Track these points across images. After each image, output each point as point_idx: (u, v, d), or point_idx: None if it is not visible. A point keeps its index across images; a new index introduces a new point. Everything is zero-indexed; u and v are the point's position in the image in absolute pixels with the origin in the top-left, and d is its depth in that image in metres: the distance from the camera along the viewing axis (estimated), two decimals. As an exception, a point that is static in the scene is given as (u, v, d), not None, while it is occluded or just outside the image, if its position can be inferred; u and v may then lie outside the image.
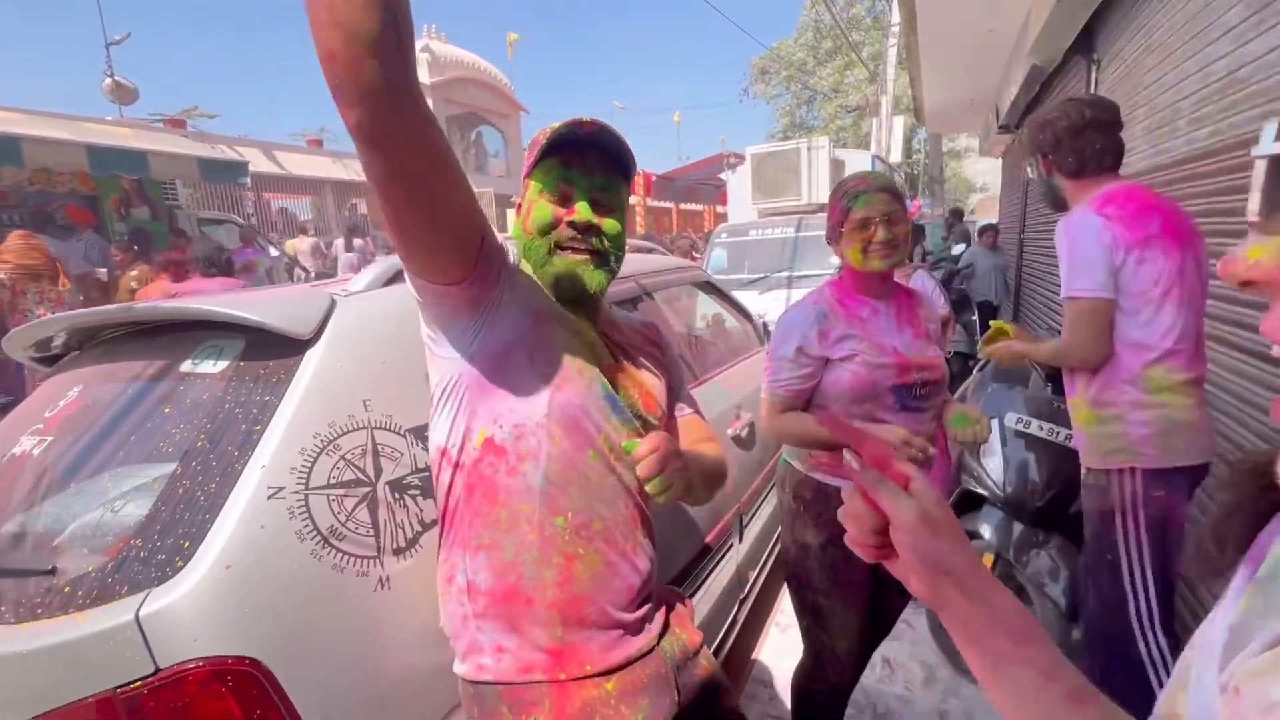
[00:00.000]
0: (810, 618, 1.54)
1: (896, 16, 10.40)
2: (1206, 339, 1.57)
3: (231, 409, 0.98)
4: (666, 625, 1.02)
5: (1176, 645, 1.50)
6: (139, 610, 0.78)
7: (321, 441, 0.97)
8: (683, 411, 1.14)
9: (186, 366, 1.09)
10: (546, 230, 0.92)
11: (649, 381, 1.03)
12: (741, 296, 3.75)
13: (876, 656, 2.24)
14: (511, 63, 34.24)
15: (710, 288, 2.75)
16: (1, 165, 5.97)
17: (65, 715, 0.79)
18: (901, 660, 2.20)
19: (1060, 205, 1.67)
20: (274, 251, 7.77)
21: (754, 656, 2.26)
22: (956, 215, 9.37)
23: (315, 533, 0.91)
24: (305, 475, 0.93)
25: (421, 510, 1.06)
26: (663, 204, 18.49)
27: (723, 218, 17.39)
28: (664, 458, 0.85)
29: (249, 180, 7.84)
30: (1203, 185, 2.30)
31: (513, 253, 0.98)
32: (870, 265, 1.36)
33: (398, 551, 1.00)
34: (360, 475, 0.99)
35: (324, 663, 0.88)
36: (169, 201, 7.62)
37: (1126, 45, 3.35)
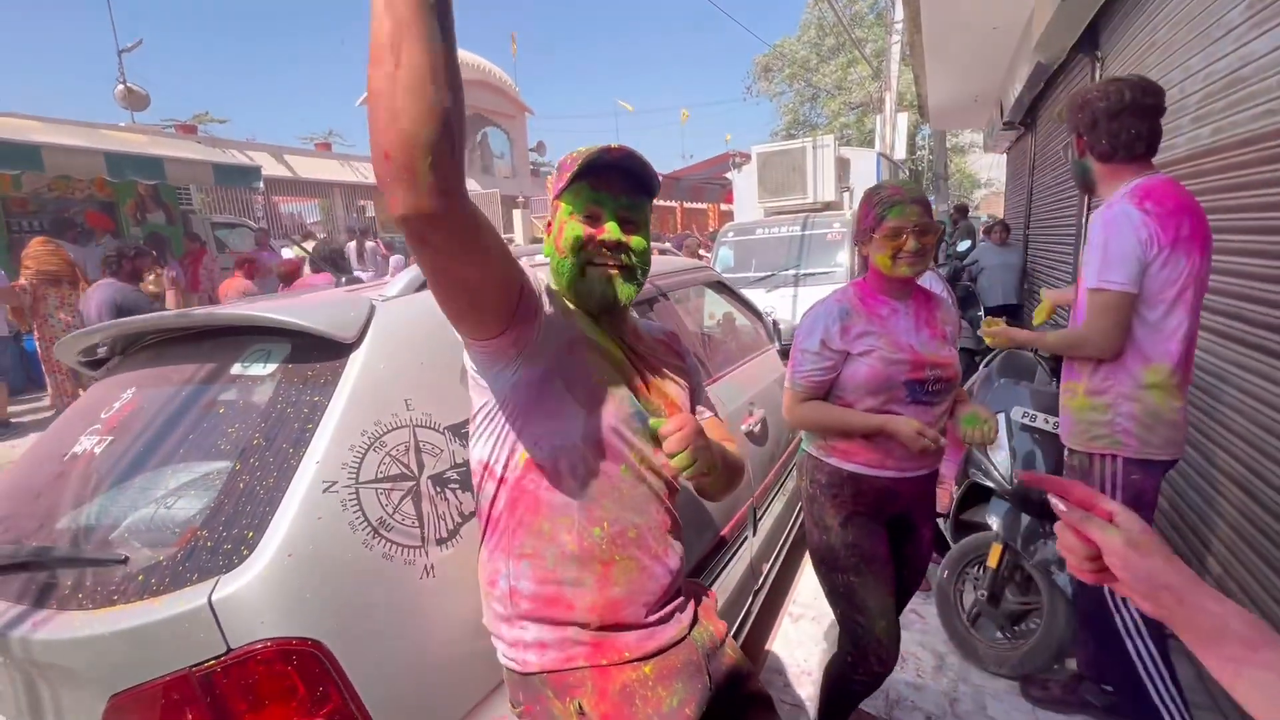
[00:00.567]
0: (845, 603, 1.57)
1: (900, 13, 10.40)
2: (1206, 332, 1.63)
3: (284, 409, 1.05)
4: (696, 617, 1.08)
5: (1147, 618, 1.58)
6: (212, 594, 0.84)
7: (369, 439, 1.03)
8: (702, 414, 1.20)
9: (237, 369, 1.16)
10: (578, 249, 0.98)
11: (673, 392, 1.10)
12: (749, 294, 3.81)
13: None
14: (516, 64, 34.26)
15: (722, 287, 2.80)
16: (22, 172, 6.07)
17: (144, 692, 0.85)
18: (912, 649, 2.25)
19: (1089, 187, 1.67)
20: (286, 254, 7.87)
21: (768, 647, 2.32)
22: (961, 211, 9.35)
23: (366, 523, 0.97)
24: (355, 470, 0.99)
25: (461, 503, 1.12)
26: (667, 203, 18.52)
27: (726, 216, 17.42)
28: (688, 435, 0.91)
29: (262, 185, 7.93)
30: (1207, 182, 2.34)
31: (543, 276, 1.03)
32: (898, 271, 1.45)
33: (440, 542, 1.06)
34: (405, 470, 1.05)
35: (377, 644, 0.94)
36: (183, 206, 7.74)
37: (1130, 43, 3.38)
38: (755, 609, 2.09)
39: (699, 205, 20.19)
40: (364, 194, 13.63)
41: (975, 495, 2.40)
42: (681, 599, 1.07)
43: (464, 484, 1.14)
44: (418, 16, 0.60)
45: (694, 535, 1.72)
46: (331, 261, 4.35)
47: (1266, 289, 1.93)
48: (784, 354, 2.96)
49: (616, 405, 0.97)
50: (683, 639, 1.02)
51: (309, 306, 1.19)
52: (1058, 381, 2.41)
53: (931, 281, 2.99)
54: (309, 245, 7.94)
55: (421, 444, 1.10)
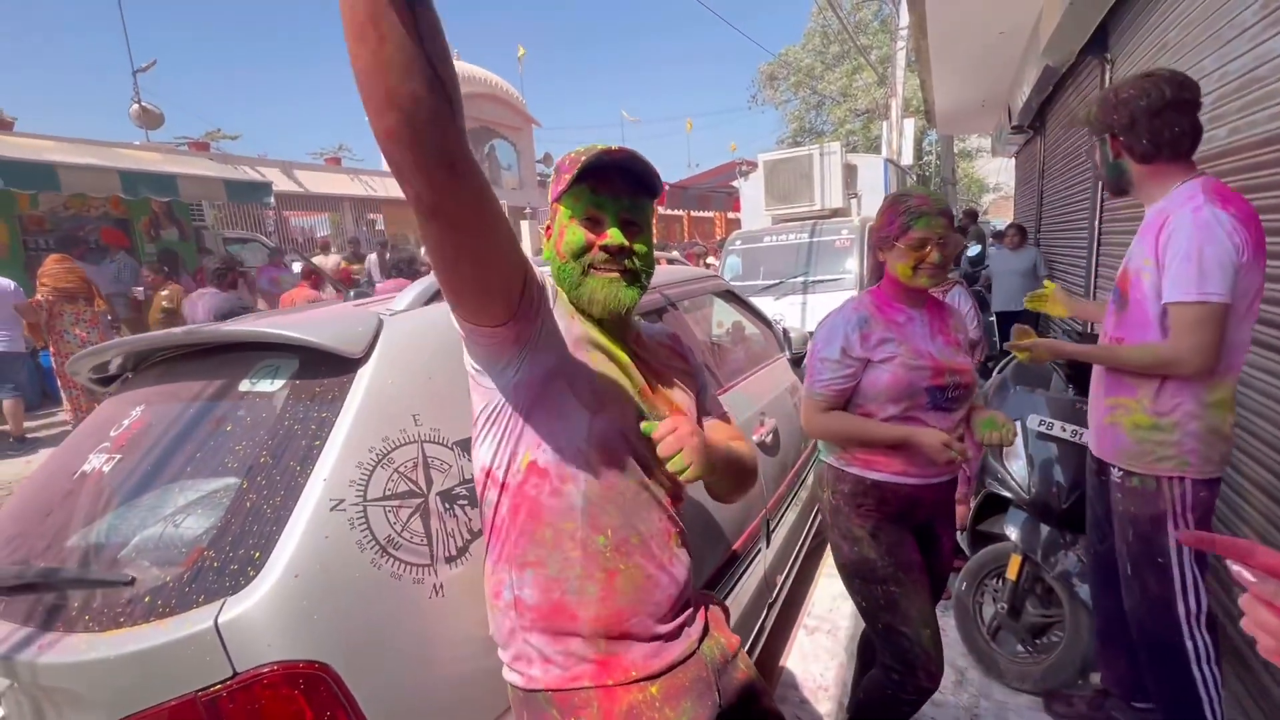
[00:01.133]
0: (887, 615, 1.52)
1: (904, 20, 10.41)
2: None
3: (291, 425, 1.04)
4: (706, 629, 1.05)
5: (1217, 639, 1.51)
6: (218, 617, 0.83)
7: (376, 455, 1.02)
8: (710, 418, 1.18)
9: (245, 385, 1.15)
10: (580, 254, 0.96)
11: (678, 397, 1.07)
12: (757, 302, 3.79)
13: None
14: (522, 76, 34.64)
15: (731, 296, 2.79)
16: (39, 191, 6.18)
17: (150, 717, 0.84)
18: (931, 664, 2.20)
19: (1122, 190, 1.58)
20: (297, 268, 7.94)
21: (783, 662, 2.28)
22: (970, 216, 9.30)
23: (374, 542, 0.96)
24: (363, 488, 0.98)
25: (470, 519, 1.10)
26: (674, 212, 18.58)
27: (733, 224, 17.43)
28: (681, 436, 0.88)
29: (273, 200, 8.02)
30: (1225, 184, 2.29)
31: (549, 283, 1.01)
32: (918, 282, 1.46)
33: (449, 559, 1.04)
34: (413, 487, 1.04)
35: (385, 666, 0.93)
36: (196, 222, 7.84)
37: (1141, 44, 3.35)
38: (770, 622, 2.06)
39: (705, 213, 20.22)
40: (373, 207, 13.76)
41: (992, 505, 2.35)
42: (690, 611, 1.04)
43: (473, 500, 1.12)
44: None
45: (706, 548, 1.69)
46: (403, 269, 4.42)
47: (1289, 291, 1.89)
48: (795, 362, 2.94)
49: (620, 409, 0.95)
50: (691, 654, 1.00)
51: (317, 322, 1.18)
52: (1074, 389, 2.37)
53: (960, 298, 2.95)
54: (326, 259, 8.04)
55: (430, 460, 1.09)
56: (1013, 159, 10.24)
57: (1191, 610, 1.49)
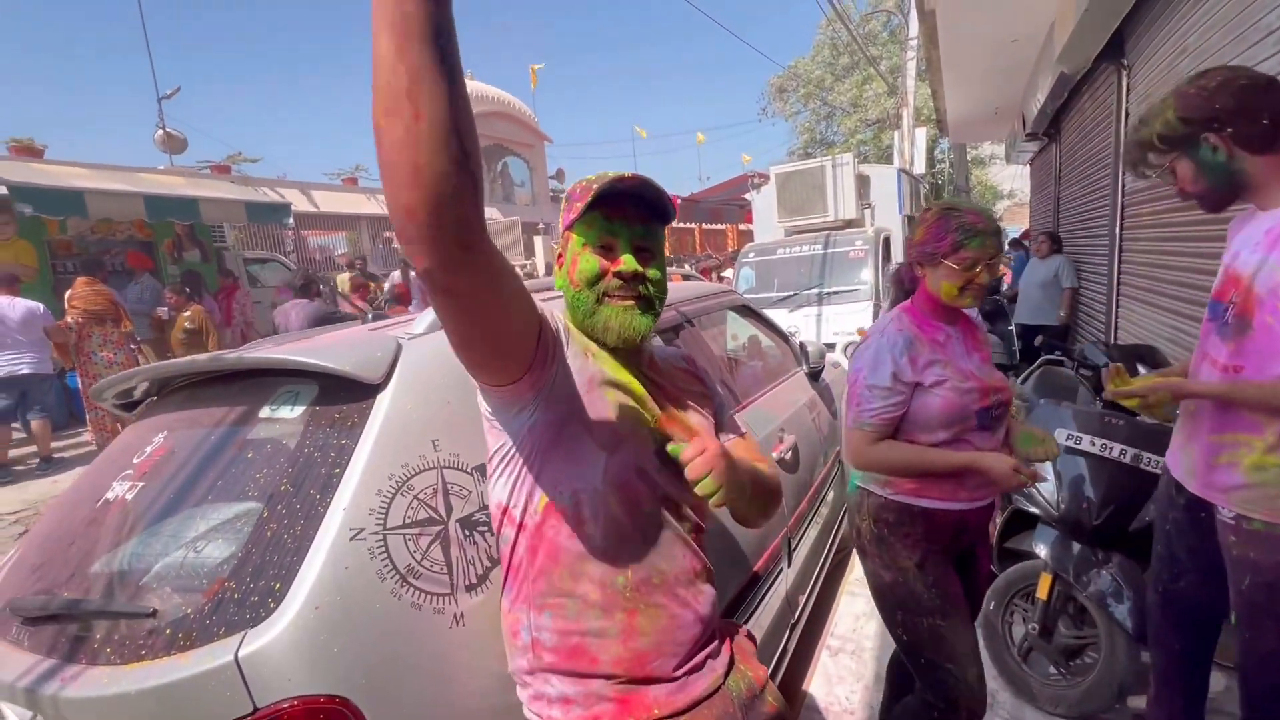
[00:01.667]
0: (931, 649, 1.44)
1: (914, 30, 10.42)
2: None
3: (311, 453, 1.04)
4: (731, 662, 1.02)
5: None
6: (238, 651, 0.82)
7: (396, 483, 1.01)
8: (728, 437, 1.16)
9: (265, 412, 1.15)
10: (594, 281, 0.94)
11: (696, 422, 1.05)
12: (772, 314, 3.77)
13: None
14: (534, 94, 35.13)
15: (747, 310, 2.77)
16: (67, 217, 6.35)
17: (170, 752, 0.83)
18: (961, 687, 2.14)
19: (1229, 200, 1.34)
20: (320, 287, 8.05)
21: (806, 686, 2.22)
22: (987, 224, 9.15)
23: (394, 572, 0.95)
24: (383, 516, 0.97)
25: (490, 546, 1.09)
26: (686, 225, 18.64)
27: (745, 236, 17.41)
28: (710, 458, 0.85)
29: (292, 220, 8.18)
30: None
31: (561, 319, 0.99)
32: (962, 302, 1.41)
33: (470, 588, 1.03)
34: (433, 514, 1.03)
35: (405, 700, 0.91)
36: (217, 244, 8.00)
37: (1158, 50, 3.31)
38: (792, 645, 2.01)
39: (717, 226, 20.27)
40: (389, 226, 13.94)
41: (1019, 521, 2.29)
42: (715, 644, 1.01)
43: (493, 527, 1.11)
44: (435, 63, 0.57)
45: (727, 570, 1.66)
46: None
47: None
48: (813, 376, 2.91)
49: (639, 444, 0.93)
50: (717, 690, 0.97)
51: (336, 347, 1.19)
52: (1101, 402, 2.31)
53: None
54: (344, 281, 8.17)
55: (450, 486, 1.08)
56: (1027, 166, 10.15)
57: None
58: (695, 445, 0.87)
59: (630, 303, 0.95)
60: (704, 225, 19.46)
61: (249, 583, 0.90)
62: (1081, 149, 5.48)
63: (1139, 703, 1.86)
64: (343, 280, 7.84)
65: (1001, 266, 1.38)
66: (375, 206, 13.50)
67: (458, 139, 0.59)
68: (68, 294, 5.31)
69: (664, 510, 0.95)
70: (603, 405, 0.93)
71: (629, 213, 0.95)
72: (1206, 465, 1.41)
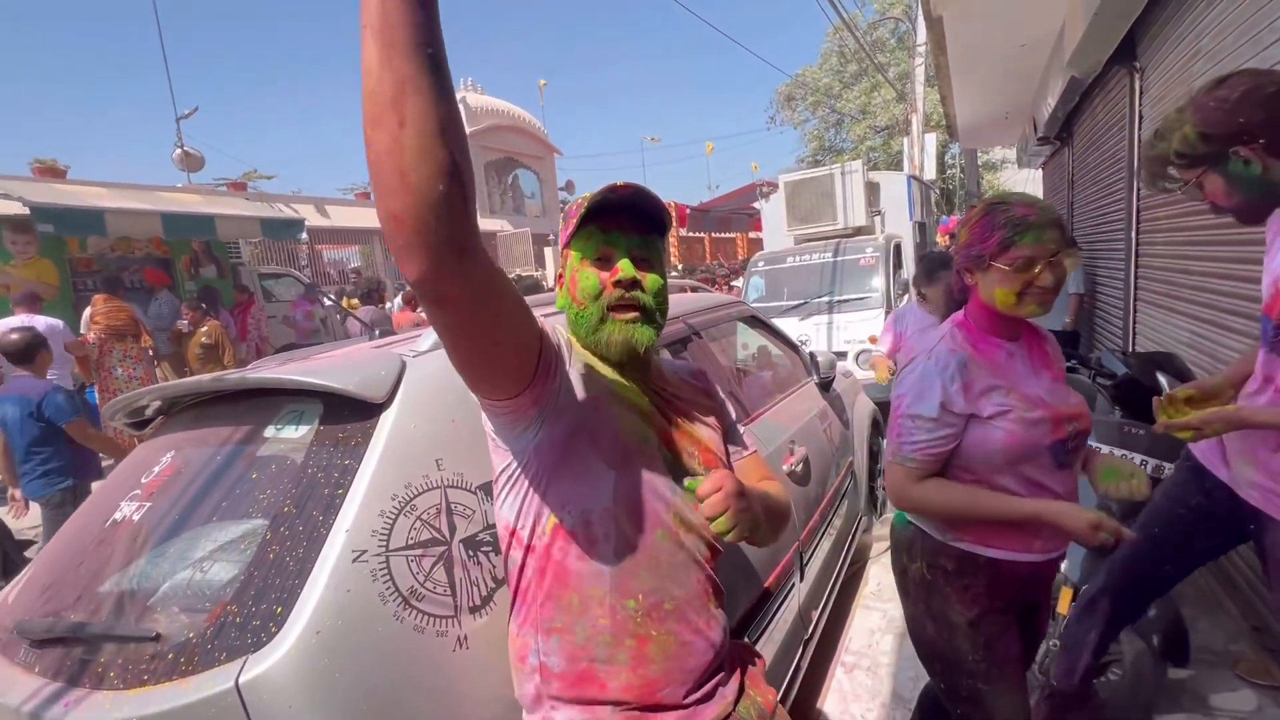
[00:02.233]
0: (968, 707, 1.32)
1: (922, 37, 10.40)
2: None
3: (314, 473, 1.03)
4: (741, 688, 0.99)
5: None
6: (238, 678, 0.82)
7: (399, 503, 1.00)
8: (739, 454, 1.13)
9: (270, 432, 1.15)
10: (595, 295, 0.93)
11: (705, 436, 1.03)
12: (781, 323, 3.74)
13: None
14: (543, 107, 35.64)
15: (756, 321, 2.75)
16: (87, 235, 6.49)
17: (171, 780, 0.82)
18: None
19: (1272, 207, 1.27)
20: (328, 301, 8.15)
21: (820, 704, 2.18)
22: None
23: (397, 594, 0.94)
24: (386, 537, 0.96)
25: (494, 566, 1.08)
26: (695, 234, 18.66)
27: (754, 245, 17.36)
28: (728, 495, 0.84)
29: (306, 235, 8.30)
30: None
31: (563, 334, 0.98)
32: (1023, 310, 1.16)
33: (473, 610, 1.02)
34: (436, 534, 1.02)
35: (408, 725, 0.90)
36: (233, 260, 8.12)
37: (1171, 52, 3.26)
38: (805, 662, 1.97)
39: (727, 235, 20.27)
40: (401, 239, 14.10)
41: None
42: (725, 671, 0.98)
43: (497, 546, 1.09)
44: (420, 72, 0.57)
45: (738, 586, 1.63)
46: (529, 291, 4.52)
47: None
48: (823, 386, 2.87)
49: (648, 462, 0.92)
50: (727, 717, 0.94)
51: (340, 366, 1.19)
52: (1120, 411, 2.26)
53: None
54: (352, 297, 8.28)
55: (453, 506, 1.07)
56: (1039, 170, 10.06)
57: None
58: (712, 481, 0.85)
59: (633, 316, 0.94)
60: (713, 234, 19.47)
61: (251, 606, 0.89)
62: (1095, 152, 5.42)
63: (1167, 723, 1.80)
64: (347, 303, 8.02)
65: (1068, 262, 1.15)
66: (387, 220, 13.65)
67: (444, 147, 0.59)
68: (87, 311, 5.41)
69: (678, 531, 0.93)
70: (608, 421, 0.91)
71: (625, 223, 0.94)
72: (1270, 486, 1.32)
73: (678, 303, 2.01)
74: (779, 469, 2.03)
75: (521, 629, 0.92)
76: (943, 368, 1.19)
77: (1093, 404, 2.61)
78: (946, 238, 11.98)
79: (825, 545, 2.32)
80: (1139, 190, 4.05)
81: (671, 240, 13.04)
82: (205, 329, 5.69)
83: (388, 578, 0.94)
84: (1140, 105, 3.92)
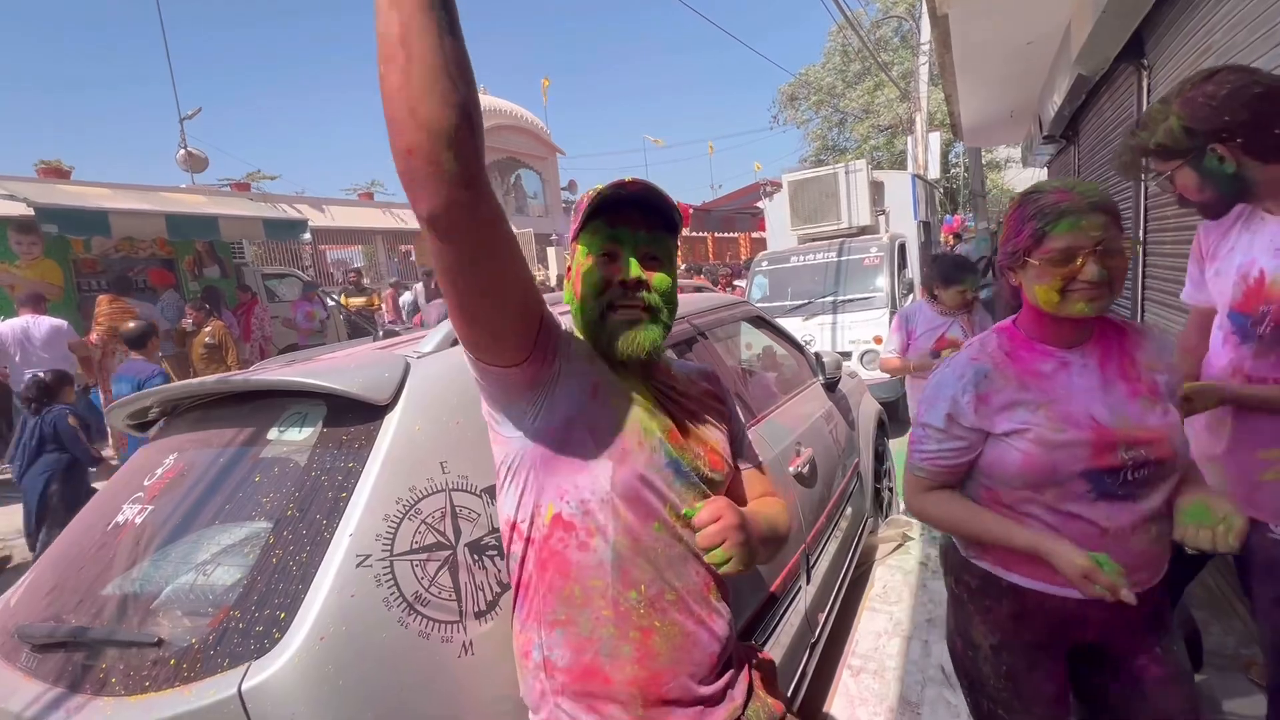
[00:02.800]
0: None
1: (926, 35, 10.36)
2: None
3: (318, 476, 1.02)
4: (750, 691, 0.98)
5: None
6: (241, 684, 0.80)
7: (404, 507, 0.99)
8: (744, 466, 1.12)
9: (273, 434, 1.14)
10: (599, 291, 0.92)
11: (711, 437, 1.02)
12: (785, 323, 3.72)
13: (962, 705, 2.11)
14: (546, 107, 35.64)
15: (761, 322, 2.73)
16: (91, 236, 6.50)
17: (173, 788, 0.81)
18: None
19: (1235, 203, 1.30)
20: (330, 302, 8.16)
21: (826, 708, 2.16)
22: (1005, 228, 9.00)
23: (401, 599, 0.92)
24: (390, 541, 0.95)
25: (499, 571, 1.06)
26: (698, 234, 18.65)
27: (757, 244, 17.35)
28: (725, 529, 0.84)
29: (309, 235, 8.31)
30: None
31: (566, 323, 0.98)
32: (1070, 310, 1.03)
33: (479, 615, 1.00)
34: (441, 539, 1.01)
35: (413, 733, 0.88)
36: (236, 260, 8.13)
37: (1180, 49, 3.23)
38: (812, 666, 1.95)
39: (730, 235, 20.25)
40: (405, 239, 14.15)
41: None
42: (733, 671, 0.97)
43: (502, 551, 1.08)
44: (424, 10, 0.60)
45: (744, 590, 1.62)
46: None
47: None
48: (829, 387, 2.86)
49: (648, 455, 0.90)
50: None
51: (344, 367, 1.18)
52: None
53: (981, 317, 2.83)
54: (352, 298, 8.29)
55: (458, 509, 1.05)
56: (1044, 169, 10.01)
57: None
58: (709, 510, 0.86)
59: (637, 314, 0.92)
60: (716, 234, 19.45)
61: (254, 612, 0.88)
62: (1101, 151, 5.38)
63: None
64: (347, 301, 8.06)
65: (1127, 252, 1.02)
66: (391, 220, 13.68)
67: (449, 80, 0.62)
68: (95, 313, 5.42)
69: (676, 524, 0.92)
70: (608, 414, 0.90)
71: (634, 219, 0.93)
72: (1248, 483, 1.34)
73: (683, 303, 1.99)
74: (786, 471, 2.01)
75: (525, 624, 0.91)
76: (957, 377, 1.12)
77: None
78: (951, 237, 11.92)
79: (831, 548, 2.30)
80: (1146, 189, 4.02)
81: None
82: (209, 329, 5.69)
83: (392, 583, 0.93)
84: (1148, 103, 3.89)
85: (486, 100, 17.38)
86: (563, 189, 20.61)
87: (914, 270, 6.07)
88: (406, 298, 9.66)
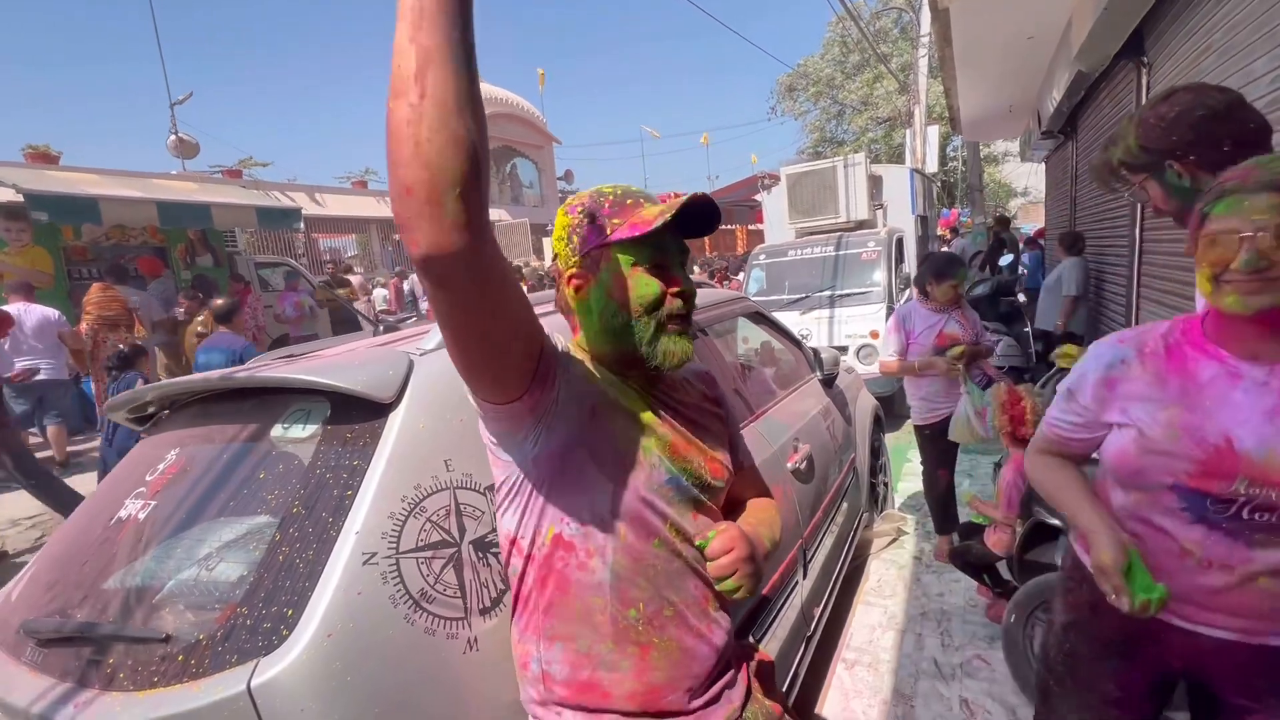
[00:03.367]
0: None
1: (926, 28, 10.31)
2: None
3: (323, 474, 1.02)
4: (748, 692, 0.99)
5: None
6: (250, 680, 0.81)
7: (409, 504, 0.99)
8: (739, 466, 1.12)
9: (277, 431, 1.14)
10: (655, 306, 0.88)
11: (712, 444, 1.01)
12: (782, 316, 3.73)
13: (954, 698, 2.15)
14: (542, 96, 35.31)
15: (760, 318, 2.73)
16: (81, 223, 6.43)
17: (183, 783, 0.82)
18: (980, 700, 2.10)
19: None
20: (316, 282, 8.11)
21: (821, 702, 2.19)
22: (1003, 223, 9.01)
23: (407, 596, 0.93)
24: (396, 539, 0.95)
25: (503, 567, 1.07)
26: (695, 225, 18.57)
27: (754, 237, 17.29)
28: (735, 560, 0.87)
29: (302, 224, 8.24)
30: None
31: (561, 342, 0.93)
32: (1220, 303, 0.92)
33: (483, 611, 1.01)
34: (446, 536, 1.01)
35: (420, 728, 0.89)
36: (229, 248, 8.06)
37: (1181, 47, 3.24)
38: (807, 660, 1.98)
39: (727, 227, 20.20)
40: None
41: (1041, 533, 2.24)
42: (731, 673, 0.98)
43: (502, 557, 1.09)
44: (444, 46, 0.59)
45: (743, 585, 1.63)
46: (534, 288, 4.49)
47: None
48: (826, 383, 2.87)
49: (648, 474, 0.90)
50: None
51: (347, 365, 1.17)
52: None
53: (973, 315, 2.85)
54: (354, 280, 8.22)
55: (463, 507, 1.06)
56: (1042, 164, 10.02)
57: None
58: (722, 542, 0.88)
59: (681, 327, 0.91)
60: (713, 225, 19.36)
61: (261, 608, 0.89)
62: (1100, 148, 5.38)
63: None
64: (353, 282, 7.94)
65: None
66: (384, 209, 13.59)
67: (462, 122, 0.60)
68: (84, 300, 5.37)
69: (675, 541, 0.92)
70: (607, 435, 0.89)
71: (672, 226, 0.88)
72: None
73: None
74: (784, 467, 2.02)
75: (523, 635, 0.92)
76: (1097, 356, 1.07)
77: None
78: (948, 231, 11.93)
79: (828, 543, 2.32)
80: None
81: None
82: (201, 318, 5.65)
83: (398, 580, 0.93)
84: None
85: (482, 88, 17.20)
86: (559, 178, 20.49)
87: (911, 265, 6.07)
88: (406, 286, 9.64)
